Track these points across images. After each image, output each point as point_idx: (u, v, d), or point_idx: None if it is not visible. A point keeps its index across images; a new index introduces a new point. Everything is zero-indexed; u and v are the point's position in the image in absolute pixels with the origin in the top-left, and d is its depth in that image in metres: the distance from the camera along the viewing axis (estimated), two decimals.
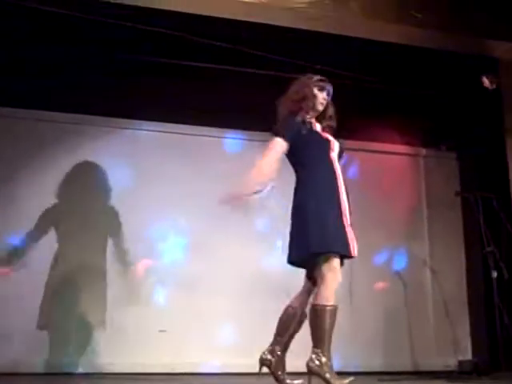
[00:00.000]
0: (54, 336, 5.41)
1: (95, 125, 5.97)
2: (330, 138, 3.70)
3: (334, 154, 3.64)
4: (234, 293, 5.81)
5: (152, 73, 5.84)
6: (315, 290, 3.51)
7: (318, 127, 3.73)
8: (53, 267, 5.51)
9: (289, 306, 3.67)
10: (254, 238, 6.02)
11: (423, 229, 6.83)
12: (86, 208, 5.77)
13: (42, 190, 5.62)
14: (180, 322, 5.69)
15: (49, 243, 5.54)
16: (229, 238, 5.92)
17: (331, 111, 3.82)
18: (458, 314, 6.59)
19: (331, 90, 3.83)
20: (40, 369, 5.31)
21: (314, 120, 3.73)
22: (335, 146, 3.67)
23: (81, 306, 5.55)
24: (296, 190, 3.64)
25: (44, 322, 5.35)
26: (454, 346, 6.44)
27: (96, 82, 5.65)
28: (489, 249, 5.27)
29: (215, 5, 5.14)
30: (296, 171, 3.67)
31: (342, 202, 3.53)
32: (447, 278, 6.62)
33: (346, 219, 3.51)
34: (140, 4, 5.03)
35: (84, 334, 5.53)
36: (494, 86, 6.00)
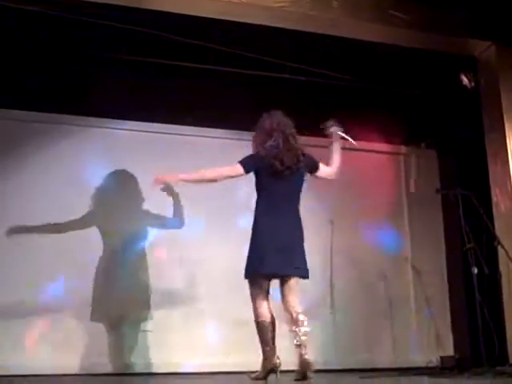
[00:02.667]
0: None
1: (70, 123, 5.92)
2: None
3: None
4: (216, 292, 5.79)
5: (130, 71, 5.84)
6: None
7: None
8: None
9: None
10: (236, 237, 6.00)
11: (404, 226, 6.88)
12: (64, 206, 5.66)
13: (16, 191, 5.59)
14: (163, 322, 5.66)
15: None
16: (211, 237, 5.93)
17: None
18: (439, 310, 6.66)
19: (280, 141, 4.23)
20: None
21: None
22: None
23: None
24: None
25: None
26: (435, 341, 6.49)
27: (72, 80, 5.66)
28: (469, 245, 5.30)
29: (194, 3, 5.12)
30: None
31: None
32: (428, 274, 6.68)
33: None
34: (119, 3, 5.00)
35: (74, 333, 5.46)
36: (473, 85, 6.05)
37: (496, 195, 5.79)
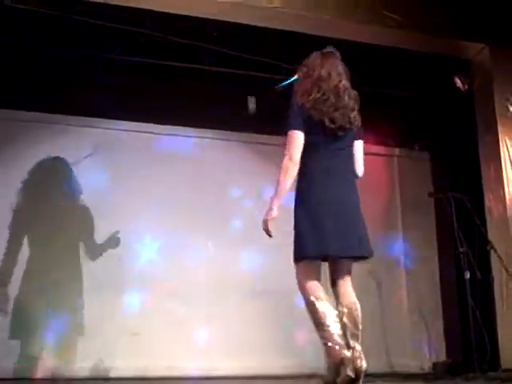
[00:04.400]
0: (25, 341, 5.30)
1: (64, 123, 5.85)
2: None
3: None
4: (208, 296, 5.75)
5: (124, 72, 5.79)
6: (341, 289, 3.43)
7: None
8: (25, 271, 5.39)
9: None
10: (228, 240, 5.98)
11: (397, 229, 6.85)
12: (55, 208, 5.65)
13: (6, 191, 5.51)
14: (153, 325, 5.61)
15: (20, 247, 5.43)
16: (203, 240, 5.90)
17: None
18: (432, 314, 6.62)
19: None
20: (9, 374, 5.18)
21: None
22: None
23: (54, 308, 5.41)
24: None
25: (16, 327, 5.26)
26: (428, 346, 6.47)
27: (66, 80, 5.59)
28: (462, 249, 5.29)
29: (188, 4, 5.09)
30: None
31: None
32: (421, 278, 6.65)
33: None
34: (112, 2, 4.95)
35: (57, 338, 5.40)
36: (467, 87, 6.03)
37: (489, 199, 5.78)
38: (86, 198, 5.72)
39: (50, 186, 5.74)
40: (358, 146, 3.60)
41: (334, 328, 3.26)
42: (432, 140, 6.95)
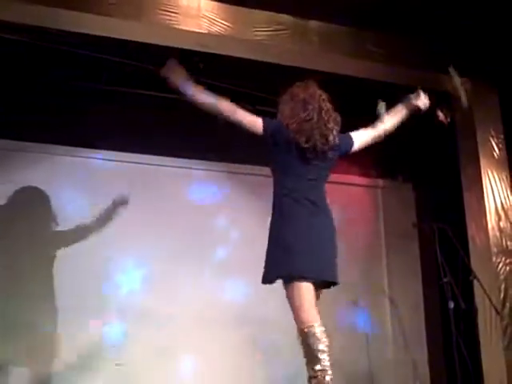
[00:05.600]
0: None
1: (43, 152, 5.81)
2: None
3: None
4: (194, 324, 5.72)
5: (106, 100, 5.81)
6: None
7: None
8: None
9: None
10: (213, 268, 5.97)
11: (381, 259, 6.87)
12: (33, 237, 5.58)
13: None
14: (137, 355, 5.57)
15: None
16: (188, 268, 5.86)
17: None
18: (416, 343, 6.63)
19: None
20: None
21: None
22: None
23: (32, 337, 5.32)
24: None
25: None
26: (412, 375, 6.46)
27: (45, 108, 5.59)
28: (445, 279, 5.31)
29: (172, 35, 5.15)
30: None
31: None
32: (405, 307, 6.67)
33: None
34: (95, 33, 5.00)
35: (37, 368, 5.33)
36: (449, 120, 6.11)
37: (472, 229, 5.84)
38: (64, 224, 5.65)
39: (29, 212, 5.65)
40: (362, 141, 3.91)
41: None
42: (415, 171, 7.03)
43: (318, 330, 3.35)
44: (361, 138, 3.87)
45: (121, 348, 5.60)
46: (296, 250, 3.35)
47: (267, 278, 3.46)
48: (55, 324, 5.40)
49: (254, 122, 3.58)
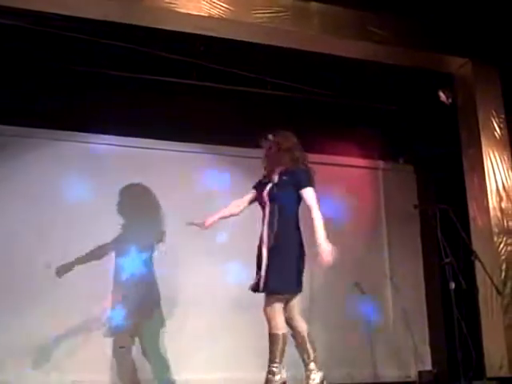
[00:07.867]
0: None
1: (47, 138, 5.82)
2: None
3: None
4: (203, 309, 5.76)
5: (112, 86, 5.81)
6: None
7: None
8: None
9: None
10: (223, 254, 5.97)
11: (382, 241, 6.89)
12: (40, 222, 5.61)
13: None
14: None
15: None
16: (197, 254, 5.85)
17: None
18: (417, 324, 6.67)
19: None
20: None
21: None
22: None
23: (44, 320, 5.37)
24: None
25: None
26: (414, 356, 6.51)
27: (49, 94, 5.61)
28: (446, 260, 5.32)
29: (173, 19, 5.13)
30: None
31: None
32: (406, 289, 6.70)
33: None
34: (100, 17, 4.99)
35: (46, 351, 5.38)
36: (451, 101, 6.12)
37: (473, 210, 5.85)
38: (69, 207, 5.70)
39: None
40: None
41: None
42: (416, 153, 7.03)
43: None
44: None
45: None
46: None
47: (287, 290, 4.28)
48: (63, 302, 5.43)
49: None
